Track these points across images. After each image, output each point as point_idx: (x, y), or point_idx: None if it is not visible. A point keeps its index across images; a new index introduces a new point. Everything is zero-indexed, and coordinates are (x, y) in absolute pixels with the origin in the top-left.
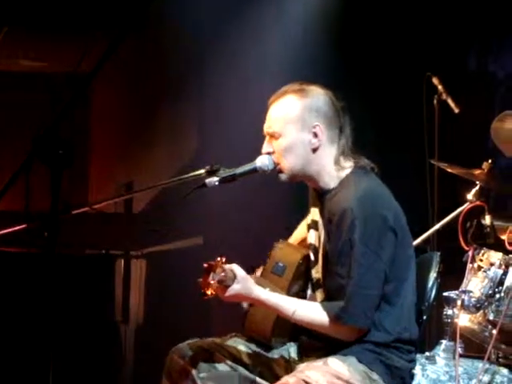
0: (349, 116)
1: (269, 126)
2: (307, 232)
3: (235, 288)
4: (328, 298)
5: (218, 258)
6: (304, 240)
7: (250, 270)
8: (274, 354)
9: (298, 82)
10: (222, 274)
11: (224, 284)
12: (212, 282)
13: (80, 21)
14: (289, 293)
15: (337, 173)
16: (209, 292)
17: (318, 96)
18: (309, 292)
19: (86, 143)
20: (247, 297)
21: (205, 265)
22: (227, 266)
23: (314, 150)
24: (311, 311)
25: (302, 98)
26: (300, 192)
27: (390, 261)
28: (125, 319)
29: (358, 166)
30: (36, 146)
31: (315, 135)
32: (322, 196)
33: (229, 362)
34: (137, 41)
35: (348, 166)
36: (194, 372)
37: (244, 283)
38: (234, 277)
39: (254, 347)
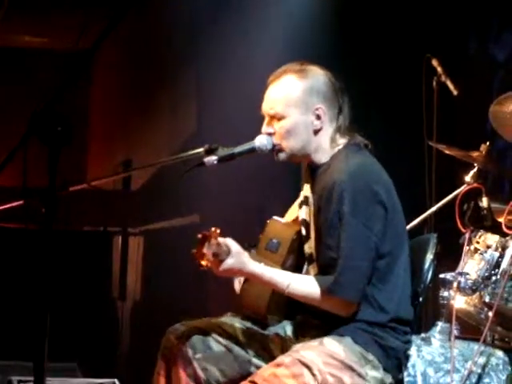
0: (347, 96)
1: (270, 107)
2: (299, 209)
3: (229, 262)
4: (321, 272)
5: (213, 229)
6: (297, 218)
7: (246, 248)
8: (270, 332)
9: (298, 62)
10: (217, 245)
11: (219, 258)
12: (206, 252)
13: None
14: (283, 268)
15: (331, 149)
16: (203, 263)
17: (318, 77)
18: (305, 267)
19: (86, 120)
20: (241, 271)
21: (199, 235)
22: (221, 240)
23: (316, 131)
24: (305, 285)
25: (303, 79)
26: (297, 170)
27: (381, 235)
28: (122, 296)
29: (351, 142)
30: (34, 122)
31: (318, 117)
32: (314, 171)
33: (224, 342)
34: (137, 20)
35: (342, 142)
36: (189, 353)
37: (238, 257)
38: (229, 251)
39: (249, 326)
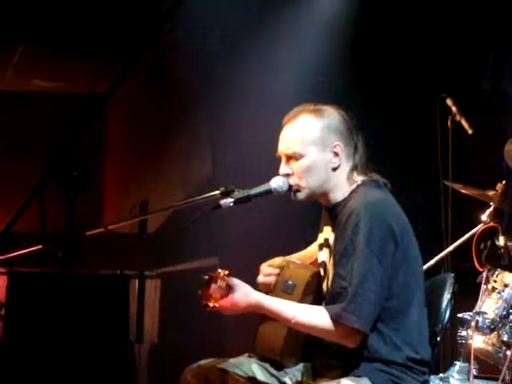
0: (362, 134)
1: (287, 147)
2: (319, 251)
3: (234, 296)
4: (329, 302)
5: (219, 270)
6: (315, 261)
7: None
8: (287, 374)
9: (311, 103)
10: (225, 287)
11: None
12: (212, 293)
13: (95, 42)
14: None
15: (348, 186)
16: (210, 304)
17: (334, 115)
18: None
19: (101, 164)
20: (247, 303)
21: (205, 276)
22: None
23: (334, 169)
24: (312, 315)
25: (319, 118)
26: (316, 211)
27: (392, 273)
28: (139, 339)
29: (369, 179)
30: (49, 167)
31: (336, 154)
32: (332, 210)
33: (243, 381)
34: (151, 62)
35: (359, 179)
36: None
37: (241, 289)
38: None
39: (267, 366)
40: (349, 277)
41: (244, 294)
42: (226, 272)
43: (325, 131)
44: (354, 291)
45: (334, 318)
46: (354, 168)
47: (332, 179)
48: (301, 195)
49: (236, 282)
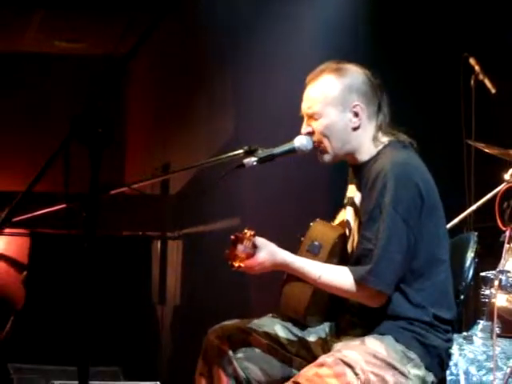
0: (386, 93)
1: (308, 106)
2: (344, 209)
3: (259, 256)
4: (354, 263)
5: (246, 230)
6: (342, 221)
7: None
8: (311, 334)
9: (335, 61)
10: (251, 247)
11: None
12: (239, 253)
13: (117, 2)
14: None
15: (374, 147)
16: (236, 264)
17: (356, 75)
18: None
19: (124, 125)
20: (273, 262)
21: (232, 236)
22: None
23: (355, 129)
24: (337, 275)
25: (341, 78)
26: (340, 172)
27: (419, 233)
28: (162, 300)
29: (396, 139)
30: (75, 124)
31: (356, 114)
32: (358, 170)
33: (265, 342)
34: (174, 23)
35: (385, 140)
36: (230, 352)
37: (267, 248)
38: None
39: (290, 327)
40: (374, 239)
41: (269, 254)
42: (252, 232)
43: (345, 91)
44: (379, 254)
45: (359, 281)
46: (379, 128)
47: (354, 139)
48: (327, 157)
49: (261, 241)
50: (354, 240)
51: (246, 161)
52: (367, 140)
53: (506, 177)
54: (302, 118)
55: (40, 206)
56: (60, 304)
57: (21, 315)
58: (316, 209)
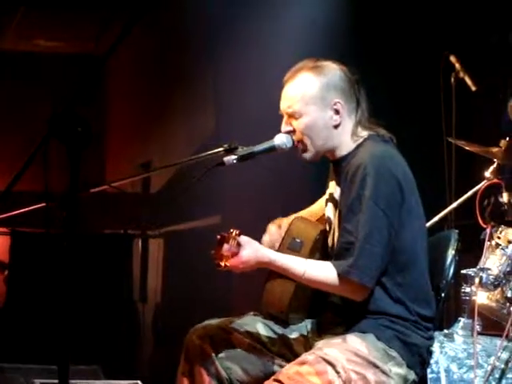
0: (364, 88)
1: (287, 105)
2: (325, 206)
3: (244, 254)
4: (336, 257)
5: (232, 230)
6: (321, 217)
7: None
8: (293, 331)
9: (312, 59)
10: (236, 246)
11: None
12: (225, 253)
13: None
14: None
15: (353, 142)
16: (222, 263)
17: (334, 71)
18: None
19: (104, 123)
20: (257, 260)
21: (218, 236)
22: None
23: (336, 126)
24: (321, 270)
25: (319, 76)
26: (320, 168)
27: (399, 226)
28: (143, 298)
29: (375, 133)
30: (54, 124)
31: (336, 112)
32: (337, 165)
33: (247, 341)
34: (153, 22)
35: (365, 134)
36: (212, 352)
37: (251, 246)
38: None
39: (271, 325)
40: (355, 231)
41: (254, 251)
42: (238, 231)
43: (324, 89)
44: (360, 247)
45: (342, 275)
46: (358, 123)
47: (335, 137)
48: (307, 155)
49: (246, 239)
50: (334, 235)
51: (226, 159)
52: (347, 136)
53: (487, 174)
54: (281, 117)
55: (20, 205)
56: (40, 303)
57: (1, 314)
58: (297, 206)
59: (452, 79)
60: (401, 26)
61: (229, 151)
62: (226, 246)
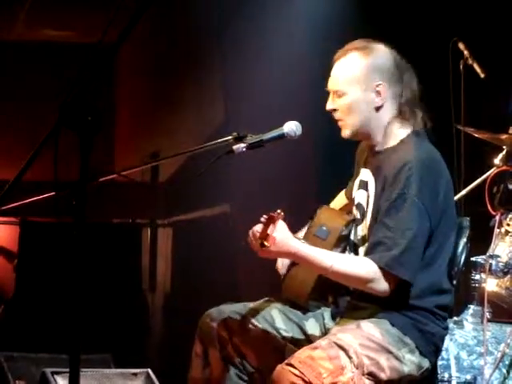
0: (414, 75)
1: (333, 84)
2: (355, 191)
3: (275, 235)
4: (368, 250)
5: (279, 210)
6: (346, 206)
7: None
8: (308, 318)
9: (364, 39)
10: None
11: None
12: (271, 233)
13: None
14: None
15: (396, 132)
16: (267, 243)
17: (382, 54)
18: (347, 253)
19: (113, 113)
20: (287, 246)
21: (265, 216)
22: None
23: (377, 109)
24: (351, 264)
25: (366, 56)
26: (326, 156)
27: (436, 226)
28: (152, 287)
29: (416, 129)
30: (64, 112)
31: (378, 94)
32: (376, 155)
33: (261, 326)
34: (162, 10)
35: (407, 130)
36: (226, 335)
37: (283, 232)
38: None
39: (287, 312)
40: (395, 228)
41: (285, 238)
42: (283, 213)
43: (369, 70)
44: (407, 244)
45: (386, 268)
46: (399, 112)
47: (375, 119)
48: (346, 132)
49: (281, 223)
50: (366, 225)
51: (235, 147)
52: (386, 122)
53: (496, 161)
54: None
55: (29, 195)
56: (50, 292)
57: (11, 304)
58: (305, 194)
59: (461, 66)
60: (409, 12)
61: (238, 139)
62: (272, 227)
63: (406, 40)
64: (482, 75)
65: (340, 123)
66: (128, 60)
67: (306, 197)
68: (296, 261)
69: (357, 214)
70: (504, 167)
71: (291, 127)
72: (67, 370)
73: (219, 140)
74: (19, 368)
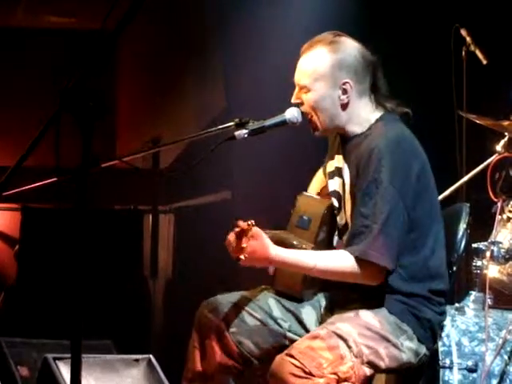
0: (381, 68)
1: (299, 78)
2: (328, 179)
3: (252, 244)
4: (350, 240)
5: (249, 222)
6: (323, 189)
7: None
8: (305, 307)
9: (332, 33)
10: (253, 237)
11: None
12: (245, 245)
13: None
14: (316, 244)
15: (366, 118)
16: (242, 257)
17: (350, 50)
18: (336, 239)
19: (114, 99)
20: (265, 253)
21: (236, 229)
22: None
23: (343, 105)
24: (333, 259)
25: (334, 53)
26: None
27: (412, 207)
28: (153, 274)
29: (388, 112)
30: (65, 98)
31: (344, 91)
32: (348, 142)
33: (258, 316)
34: None
35: (378, 114)
36: (223, 326)
37: (261, 240)
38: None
39: (283, 301)
40: (371, 215)
41: (262, 246)
42: (253, 222)
43: (336, 67)
44: (378, 229)
45: (360, 257)
46: (370, 102)
47: (342, 115)
48: (315, 133)
49: (257, 231)
50: (346, 213)
51: (237, 133)
52: (357, 115)
53: (498, 148)
54: (291, 91)
55: (31, 181)
56: (52, 278)
57: (13, 290)
58: (307, 180)
59: (463, 52)
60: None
61: (240, 125)
62: (245, 239)
63: (408, 27)
64: (485, 62)
65: (309, 119)
66: (130, 47)
67: (307, 185)
68: (279, 267)
69: (335, 202)
70: (506, 154)
71: (293, 113)
72: (69, 355)
73: (221, 126)
74: (21, 354)
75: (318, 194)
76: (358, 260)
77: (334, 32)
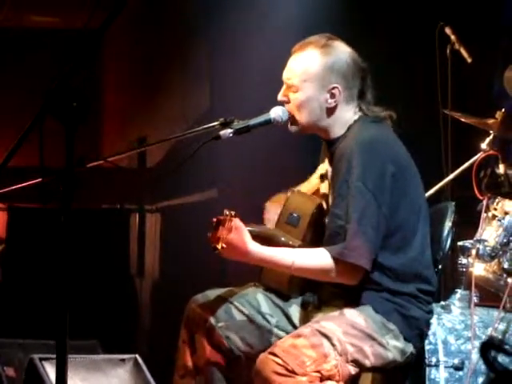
0: (370, 77)
1: (287, 76)
2: (321, 182)
3: (231, 237)
4: (327, 242)
5: (227, 212)
6: (316, 191)
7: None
8: (292, 304)
9: (326, 36)
10: (230, 226)
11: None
12: (221, 235)
13: None
14: (304, 242)
15: (345, 120)
16: (219, 246)
17: (341, 55)
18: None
19: (99, 98)
20: (244, 248)
21: (214, 219)
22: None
23: (329, 109)
24: (311, 257)
25: (325, 56)
26: (314, 142)
27: (393, 208)
28: (140, 273)
29: (365, 115)
30: (49, 99)
31: (332, 96)
32: (331, 145)
33: (246, 312)
34: None
35: (356, 117)
36: (212, 321)
37: (240, 233)
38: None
39: (272, 296)
40: (344, 215)
41: (241, 241)
42: (233, 213)
43: (326, 70)
44: (353, 229)
45: (337, 257)
46: (354, 109)
47: (326, 119)
48: (293, 128)
49: (239, 224)
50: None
51: (222, 132)
52: (340, 119)
53: (483, 146)
54: (276, 91)
55: (16, 181)
56: (38, 278)
57: None
58: (292, 178)
59: (448, 51)
60: None
61: (225, 125)
62: (221, 228)
63: (392, 25)
64: (469, 60)
65: (289, 117)
66: (114, 46)
67: (292, 180)
68: (256, 264)
69: (324, 204)
70: (491, 152)
71: (277, 113)
72: (55, 356)
73: (206, 125)
74: (7, 354)
75: (315, 194)
76: (335, 260)
77: (328, 35)
